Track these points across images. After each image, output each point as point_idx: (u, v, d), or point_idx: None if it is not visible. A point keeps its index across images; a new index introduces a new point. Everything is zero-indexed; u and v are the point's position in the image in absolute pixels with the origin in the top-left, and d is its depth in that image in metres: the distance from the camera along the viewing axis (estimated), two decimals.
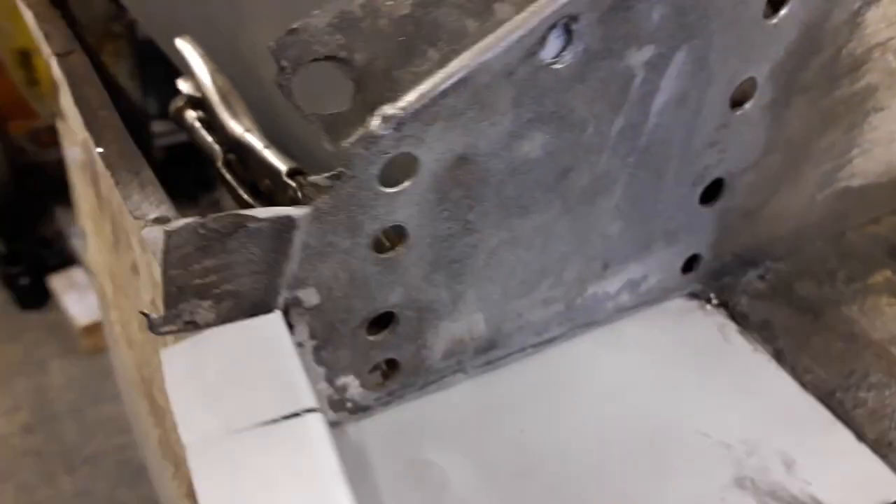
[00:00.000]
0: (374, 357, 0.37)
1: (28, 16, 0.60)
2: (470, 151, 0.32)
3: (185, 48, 0.49)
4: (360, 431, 0.40)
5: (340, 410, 0.39)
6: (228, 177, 0.43)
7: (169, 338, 0.31)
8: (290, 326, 0.33)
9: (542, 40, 0.31)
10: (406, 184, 0.31)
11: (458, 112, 0.30)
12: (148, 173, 0.41)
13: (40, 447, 2.36)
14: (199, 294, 0.29)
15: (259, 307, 0.31)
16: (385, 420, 0.41)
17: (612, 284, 0.46)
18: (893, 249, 0.59)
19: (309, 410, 0.29)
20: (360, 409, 0.40)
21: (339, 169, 0.29)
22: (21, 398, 2.23)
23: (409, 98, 0.29)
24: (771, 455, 0.43)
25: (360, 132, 0.28)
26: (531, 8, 0.30)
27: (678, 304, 0.51)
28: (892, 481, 0.42)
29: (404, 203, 0.32)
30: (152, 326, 0.29)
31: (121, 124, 0.46)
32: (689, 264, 0.50)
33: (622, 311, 0.48)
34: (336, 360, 0.35)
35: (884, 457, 0.44)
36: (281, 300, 0.31)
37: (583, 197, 0.39)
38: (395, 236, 0.33)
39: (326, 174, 0.29)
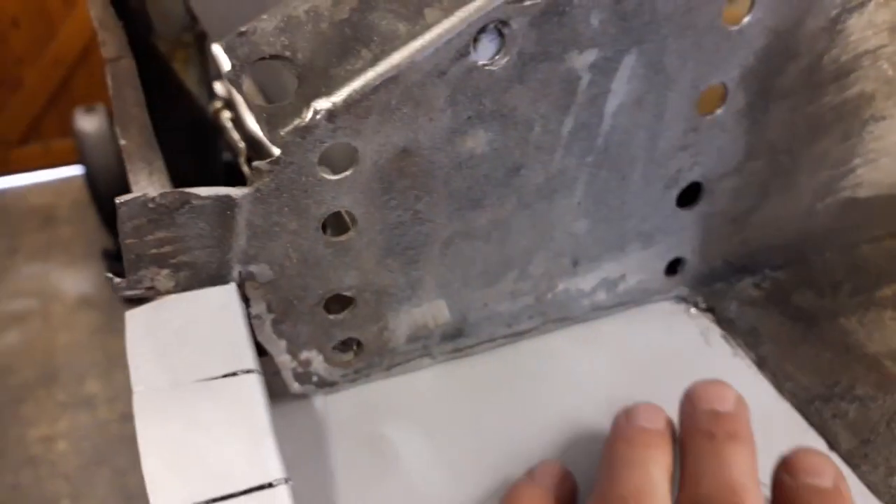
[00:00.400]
0: (335, 335, 0.40)
1: (95, 24, 0.67)
2: (412, 145, 0.35)
3: (220, 53, 0.54)
4: (326, 405, 0.43)
5: (307, 383, 0.42)
6: (248, 172, 0.48)
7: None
8: (247, 300, 0.36)
9: (473, 43, 0.34)
10: (348, 172, 0.34)
11: (392, 107, 0.33)
12: (159, 164, 0.46)
13: (135, 435, 2.52)
14: (157, 262, 0.33)
15: (215, 279, 0.35)
16: (350, 396, 0.44)
17: (586, 282, 0.47)
18: None
19: (246, 371, 0.33)
20: (327, 384, 0.43)
21: (277, 155, 0.32)
22: (121, 389, 2.39)
23: (342, 93, 0.32)
24: None
25: (295, 122, 0.32)
26: (459, 13, 0.33)
27: (662, 306, 0.52)
28: (858, 490, 0.42)
29: (349, 189, 0.35)
30: (115, 289, 0.33)
31: (147, 122, 0.51)
32: (673, 267, 0.51)
33: (600, 310, 0.49)
34: (296, 334, 0.39)
35: (855, 467, 0.43)
36: (235, 274, 0.35)
37: (539, 194, 0.41)
38: (345, 221, 0.37)
39: (266, 160, 0.32)
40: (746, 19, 0.41)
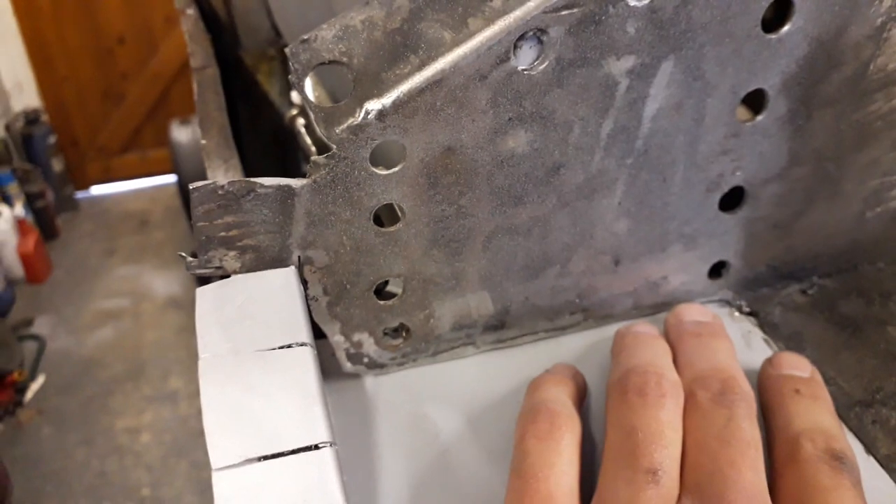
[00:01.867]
0: (385, 320, 0.44)
1: (185, 37, 0.73)
2: (456, 144, 0.38)
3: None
4: (376, 385, 0.46)
5: (358, 364, 0.45)
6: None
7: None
8: (305, 282, 0.40)
9: (513, 49, 0.37)
10: (397, 168, 0.38)
11: (437, 108, 0.37)
12: (235, 161, 0.51)
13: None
14: (225, 244, 0.37)
15: (276, 262, 0.39)
16: (398, 379, 0.47)
17: (628, 281, 0.49)
18: None
19: (301, 344, 0.36)
20: (377, 366, 0.46)
21: (333, 150, 0.36)
22: None
23: (391, 95, 0.36)
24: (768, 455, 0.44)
25: (349, 121, 0.35)
26: (500, 22, 0.36)
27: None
28: (894, 494, 0.42)
29: (397, 184, 0.38)
30: (188, 267, 0.37)
31: (227, 124, 0.56)
32: (717, 270, 0.52)
33: (642, 310, 0.51)
34: (350, 316, 0.42)
35: (892, 471, 0.43)
36: (295, 257, 0.39)
37: (580, 193, 0.43)
38: (396, 212, 0.40)
39: (323, 155, 0.36)
40: (786, 27, 0.42)
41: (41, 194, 3.51)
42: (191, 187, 0.35)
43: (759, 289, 0.54)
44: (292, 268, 0.39)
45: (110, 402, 2.88)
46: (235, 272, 0.39)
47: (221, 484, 0.33)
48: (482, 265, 0.44)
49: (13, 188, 3.39)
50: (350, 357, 0.45)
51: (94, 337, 3.26)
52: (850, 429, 0.46)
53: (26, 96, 3.60)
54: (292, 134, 0.77)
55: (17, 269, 3.35)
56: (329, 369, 0.46)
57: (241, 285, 0.39)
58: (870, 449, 0.45)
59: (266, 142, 1.01)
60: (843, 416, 0.47)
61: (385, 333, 0.45)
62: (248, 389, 0.35)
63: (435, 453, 0.43)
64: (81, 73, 3.65)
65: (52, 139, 3.61)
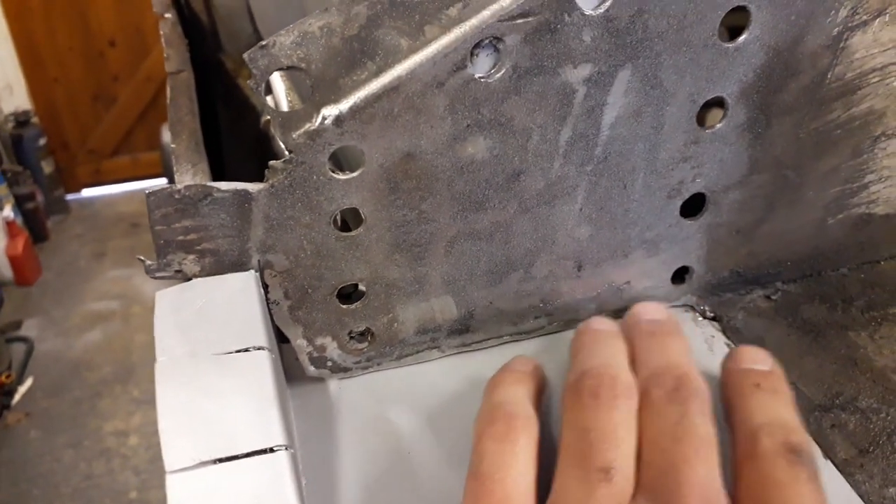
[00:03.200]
0: (348, 324, 0.44)
1: (162, 41, 0.74)
2: (415, 150, 0.39)
3: (277, 82, 0.59)
4: (340, 389, 0.47)
5: (322, 368, 0.46)
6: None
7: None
8: (266, 286, 0.41)
9: (470, 57, 0.37)
10: (356, 173, 0.38)
11: (395, 114, 0.37)
12: (203, 166, 0.51)
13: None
14: (184, 248, 0.37)
15: (236, 266, 0.39)
16: (362, 382, 0.47)
17: (591, 285, 0.50)
18: None
19: (258, 348, 0.37)
20: (341, 370, 0.47)
21: (289, 156, 0.36)
22: None
23: (349, 100, 0.36)
24: (725, 460, 0.44)
25: (306, 126, 0.36)
26: (456, 30, 0.36)
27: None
28: (849, 498, 0.43)
29: (357, 189, 0.39)
30: (148, 271, 0.37)
31: (198, 129, 0.57)
32: (680, 276, 0.52)
33: (607, 314, 0.52)
34: (312, 320, 0.43)
35: (849, 476, 0.44)
36: (255, 262, 0.39)
37: (540, 199, 0.44)
38: (355, 218, 0.40)
39: (281, 160, 0.37)
40: (743, 37, 0.43)
41: (31, 196, 3.50)
42: (147, 192, 0.35)
43: (722, 294, 0.54)
44: (252, 272, 0.40)
45: (99, 405, 2.88)
46: (195, 276, 0.39)
47: (175, 486, 0.33)
48: (445, 270, 0.45)
49: (2, 190, 3.38)
50: (313, 361, 0.45)
51: (84, 339, 3.25)
52: (810, 433, 0.46)
53: (16, 98, 3.60)
54: (269, 138, 0.78)
55: (6, 271, 3.35)
56: (293, 373, 0.46)
57: (201, 289, 0.39)
58: (828, 454, 0.45)
59: (247, 147, 1.01)
60: (803, 418, 0.47)
61: (350, 337, 0.46)
62: (204, 393, 0.36)
63: (396, 457, 0.43)
64: (72, 75, 3.64)
65: (42, 141, 3.60)
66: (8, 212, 3.33)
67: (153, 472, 2.57)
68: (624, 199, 0.46)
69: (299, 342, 0.44)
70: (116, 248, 3.68)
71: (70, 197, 3.94)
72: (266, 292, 0.41)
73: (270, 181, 0.37)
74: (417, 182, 0.40)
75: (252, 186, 0.37)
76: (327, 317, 0.43)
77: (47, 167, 3.66)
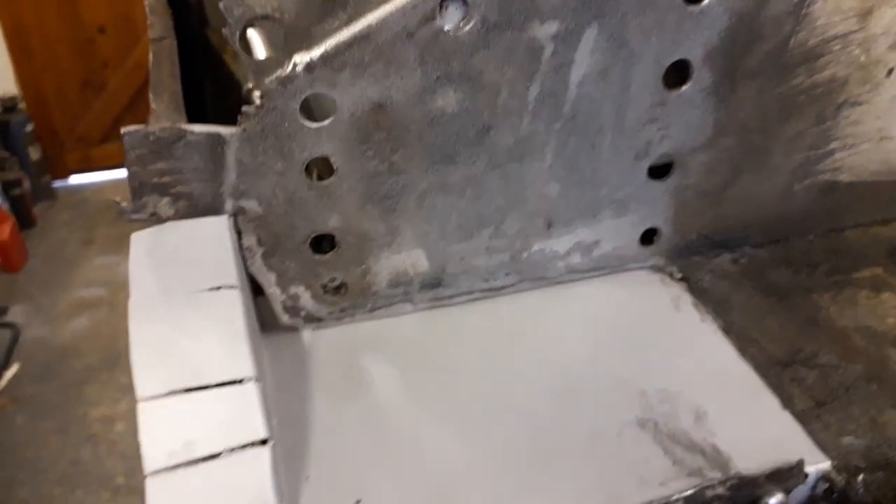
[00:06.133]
0: (321, 274, 0.45)
1: (146, 10, 0.74)
2: (385, 100, 0.40)
3: (254, 37, 0.60)
4: (314, 338, 0.48)
5: (296, 317, 0.47)
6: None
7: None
8: (239, 232, 0.42)
9: (439, 9, 0.38)
10: (327, 121, 0.39)
11: (365, 63, 0.38)
12: (182, 122, 0.52)
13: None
14: (158, 191, 0.38)
15: (210, 210, 0.40)
16: (335, 333, 0.48)
17: (560, 244, 0.51)
18: (894, 251, 0.58)
19: (230, 287, 0.38)
20: (315, 320, 0.48)
21: (262, 101, 0.37)
22: None
23: (320, 48, 0.37)
24: (684, 406, 0.46)
25: (278, 73, 0.37)
26: None
27: (638, 274, 0.55)
28: (806, 446, 0.44)
29: (328, 137, 0.40)
30: (123, 213, 0.38)
31: (179, 91, 0.57)
32: (649, 237, 0.54)
33: (575, 273, 0.53)
34: (285, 269, 0.44)
35: (806, 425, 0.45)
36: (228, 206, 0.40)
37: (510, 155, 0.45)
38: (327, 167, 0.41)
39: (253, 105, 0.38)
40: (707, 0, 0.44)
41: (17, 182, 3.47)
42: (122, 131, 0.36)
43: (690, 256, 0.56)
44: (225, 217, 0.41)
45: (85, 391, 2.86)
46: (169, 219, 0.40)
47: (147, 413, 0.35)
48: (417, 223, 0.46)
49: None
50: (287, 310, 0.46)
51: (71, 326, 3.24)
52: (769, 386, 0.48)
53: (3, 83, 3.57)
54: None
55: None
56: (268, 323, 0.47)
57: (175, 232, 0.40)
58: (786, 404, 0.46)
59: (232, 121, 1.02)
60: (763, 374, 0.48)
61: (324, 289, 0.47)
62: (176, 327, 0.37)
63: (367, 402, 0.44)
64: (61, 61, 3.62)
65: (29, 127, 3.57)
66: None
67: (140, 459, 2.57)
68: (592, 158, 0.48)
69: (273, 290, 0.45)
70: (104, 236, 3.66)
71: (58, 184, 3.91)
72: (239, 238, 0.42)
73: (243, 126, 0.38)
74: (388, 133, 0.41)
75: (225, 130, 0.38)
76: (300, 266, 0.45)
77: (34, 153, 3.63)
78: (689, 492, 0.40)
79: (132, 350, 0.35)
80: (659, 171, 0.50)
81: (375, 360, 0.47)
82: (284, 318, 0.47)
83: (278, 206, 0.41)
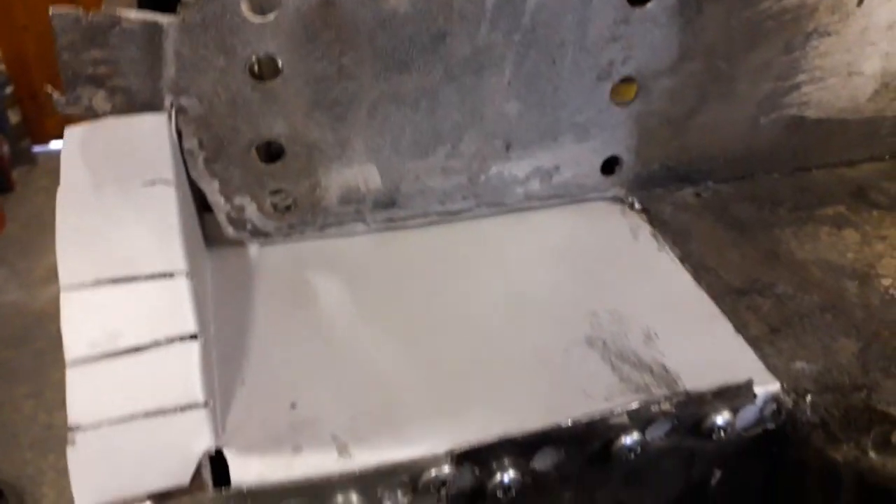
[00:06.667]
0: (267, 184, 0.44)
1: None
2: None
3: None
4: (260, 253, 0.47)
5: (241, 230, 0.45)
6: None
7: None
8: (179, 132, 0.40)
9: None
10: (271, 16, 0.38)
11: None
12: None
13: None
14: (94, 83, 0.37)
15: (149, 107, 0.39)
16: (283, 250, 0.47)
17: (519, 168, 0.50)
18: (858, 191, 0.58)
19: (164, 182, 0.36)
20: (261, 234, 0.46)
21: None
22: None
23: None
24: (635, 328, 0.45)
25: None
26: None
27: (598, 205, 0.54)
28: (755, 368, 0.43)
29: (273, 34, 0.38)
30: (57, 105, 0.37)
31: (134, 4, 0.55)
32: (610, 167, 0.53)
33: (535, 200, 0.52)
34: (229, 177, 0.42)
35: (758, 349, 0.44)
36: (168, 104, 0.39)
37: (467, 67, 0.44)
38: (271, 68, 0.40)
39: None
40: None
41: None
42: (51, 12, 0.35)
43: (652, 188, 0.55)
44: (164, 114, 0.39)
45: (61, 357, 2.84)
46: (106, 114, 0.39)
47: (70, 303, 0.33)
48: (368, 135, 0.44)
49: None
50: (232, 222, 0.45)
51: (48, 291, 3.20)
52: (723, 312, 0.47)
53: None
54: None
55: None
56: (214, 237, 0.46)
57: (111, 127, 0.39)
58: (739, 329, 0.46)
59: None
60: (718, 301, 0.48)
61: (274, 206, 0.45)
62: (106, 218, 0.35)
63: (311, 314, 0.43)
64: (43, 23, 3.54)
65: (8, 90, 3.52)
66: None
67: None
68: (553, 75, 0.46)
69: (216, 199, 0.43)
70: None
71: (37, 149, 3.86)
72: (180, 140, 0.40)
73: (182, 15, 0.37)
74: (337, 33, 0.40)
75: (163, 18, 0.36)
76: (245, 174, 0.43)
77: (14, 116, 3.58)
78: (634, 405, 0.39)
79: (58, 237, 0.34)
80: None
81: (323, 277, 0.45)
82: (229, 231, 0.45)
83: (220, 106, 0.40)
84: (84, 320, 0.33)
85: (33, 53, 3.67)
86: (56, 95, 0.37)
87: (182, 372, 0.33)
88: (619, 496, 0.43)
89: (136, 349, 0.33)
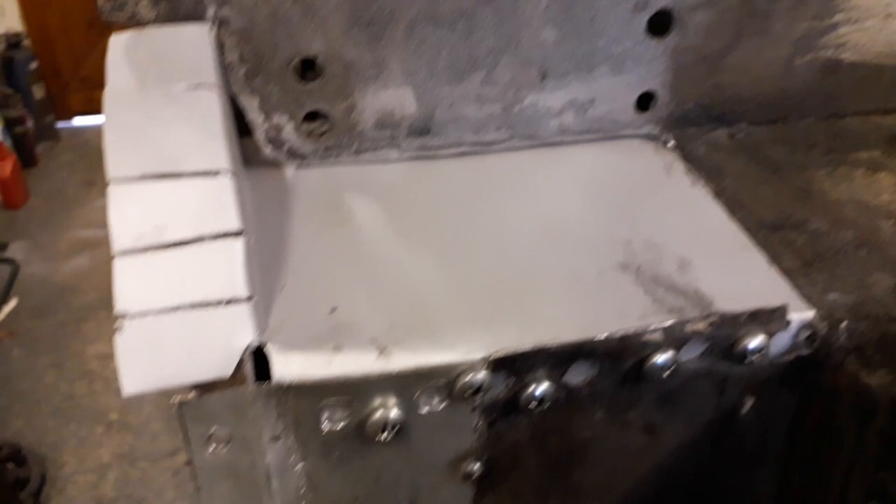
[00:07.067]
0: (305, 103, 0.44)
1: None
2: None
3: None
4: (296, 174, 0.47)
5: (278, 150, 0.46)
6: None
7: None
8: (221, 45, 0.41)
9: None
10: None
11: None
12: None
13: None
14: None
15: (192, 16, 0.39)
16: (319, 173, 0.47)
17: (554, 99, 0.50)
18: (894, 138, 0.57)
19: (208, 86, 0.37)
20: (298, 156, 0.47)
21: None
22: None
23: None
24: (669, 255, 0.45)
25: None
26: None
27: (632, 142, 0.54)
28: (789, 297, 0.43)
29: None
30: (101, 11, 0.37)
31: None
32: (645, 103, 0.52)
33: (568, 134, 0.52)
34: (268, 93, 0.43)
35: (792, 280, 0.44)
36: (211, 14, 0.39)
37: None
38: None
39: None
40: None
41: (20, 120, 3.45)
42: None
43: (686, 128, 0.54)
44: (207, 24, 0.40)
45: (82, 329, 2.87)
46: (149, 22, 0.39)
47: (118, 195, 0.34)
48: (405, 56, 0.45)
49: None
50: (270, 141, 0.45)
51: (70, 265, 3.24)
52: (757, 244, 0.47)
53: (8, 19, 3.53)
54: None
55: None
56: (250, 158, 0.46)
57: (154, 34, 0.39)
58: (772, 260, 0.46)
59: None
60: (752, 236, 0.47)
61: (309, 134, 0.46)
62: (151, 118, 0.36)
63: (348, 230, 0.43)
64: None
65: (33, 65, 3.55)
66: None
67: (134, 396, 2.58)
68: (590, 3, 0.46)
69: (255, 116, 0.44)
70: (105, 178, 3.66)
71: (61, 124, 3.90)
72: (222, 52, 0.41)
73: None
74: None
75: None
76: (284, 92, 0.44)
77: (38, 92, 3.61)
78: (669, 323, 0.39)
79: (105, 134, 0.34)
80: (658, 28, 0.49)
81: (359, 198, 0.46)
82: (267, 150, 0.46)
83: (261, 19, 0.40)
84: (131, 213, 0.34)
85: (57, 30, 3.70)
86: (101, 1, 0.37)
87: (226, 266, 0.34)
88: (650, 418, 0.43)
89: (182, 243, 0.34)
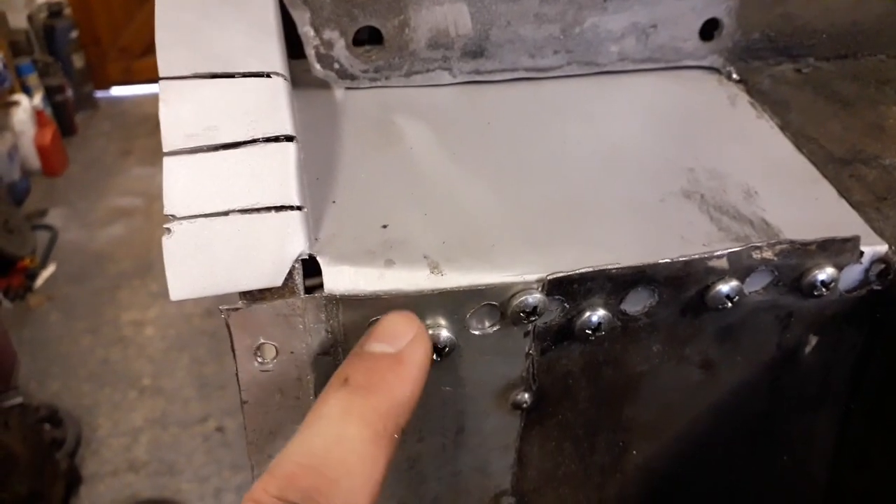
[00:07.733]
0: (357, 18, 0.43)
1: None
2: None
3: None
4: (346, 95, 0.46)
5: (328, 69, 0.44)
6: None
7: None
8: None
9: None
10: None
11: None
12: None
13: (215, 329, 2.68)
14: None
15: None
16: (369, 94, 0.46)
17: (616, 22, 0.48)
18: None
19: None
20: (348, 76, 0.45)
21: None
22: None
23: None
24: (734, 185, 0.43)
25: None
26: None
27: (694, 73, 0.51)
28: (861, 228, 0.41)
29: None
30: None
31: None
32: (709, 31, 0.50)
33: (628, 62, 0.50)
34: (320, 5, 0.41)
35: (864, 214, 0.42)
36: None
37: None
38: None
39: None
40: None
41: (61, 89, 3.51)
42: None
43: (750, 60, 0.52)
44: None
45: (118, 296, 2.92)
46: None
47: (169, 93, 0.33)
48: None
49: (33, 80, 3.39)
50: (320, 58, 0.44)
51: (106, 232, 3.30)
52: (826, 177, 0.44)
53: None
54: None
55: (34, 161, 3.37)
56: (299, 80, 0.45)
57: None
58: (842, 194, 0.43)
59: None
60: (820, 169, 0.45)
61: (362, 50, 0.44)
62: (203, 17, 0.35)
63: (399, 150, 0.42)
64: None
65: (73, 34, 3.59)
66: (38, 101, 3.34)
67: (166, 362, 2.62)
68: None
69: (306, 30, 0.42)
70: (142, 147, 3.70)
71: (99, 94, 3.95)
72: None
73: None
74: None
75: None
76: (336, 5, 0.42)
77: (78, 61, 3.66)
78: (735, 249, 0.37)
79: (157, 32, 0.33)
80: None
81: (410, 120, 0.44)
82: (317, 68, 0.44)
83: None
84: (182, 112, 0.32)
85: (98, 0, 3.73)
86: None
87: (279, 171, 0.33)
88: (709, 354, 0.42)
89: (233, 145, 0.33)
